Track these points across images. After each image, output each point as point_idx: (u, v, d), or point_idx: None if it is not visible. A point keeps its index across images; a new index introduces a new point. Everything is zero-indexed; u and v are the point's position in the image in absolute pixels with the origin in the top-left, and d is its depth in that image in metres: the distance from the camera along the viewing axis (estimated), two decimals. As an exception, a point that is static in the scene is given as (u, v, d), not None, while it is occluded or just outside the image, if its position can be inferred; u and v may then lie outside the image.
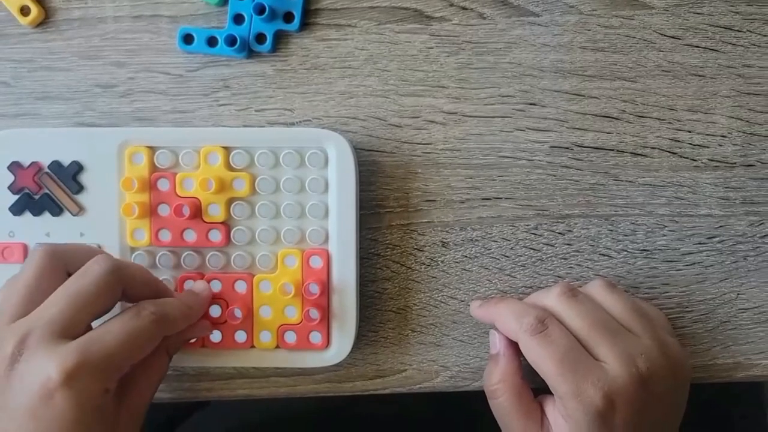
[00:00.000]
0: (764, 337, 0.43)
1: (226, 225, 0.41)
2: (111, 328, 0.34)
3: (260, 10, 0.41)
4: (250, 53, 0.43)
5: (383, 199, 0.43)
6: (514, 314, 0.38)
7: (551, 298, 0.38)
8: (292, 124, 0.42)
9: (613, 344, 0.36)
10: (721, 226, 0.42)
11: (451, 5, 0.42)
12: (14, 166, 0.41)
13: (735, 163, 0.42)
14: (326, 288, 0.40)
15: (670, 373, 0.37)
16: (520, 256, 0.42)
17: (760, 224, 0.42)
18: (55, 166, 0.41)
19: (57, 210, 0.41)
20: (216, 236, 0.41)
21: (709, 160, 0.42)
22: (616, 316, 0.38)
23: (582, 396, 0.35)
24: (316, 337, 0.41)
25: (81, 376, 0.32)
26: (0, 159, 0.41)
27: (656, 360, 0.36)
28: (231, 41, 0.41)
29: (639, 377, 0.36)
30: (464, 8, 0.42)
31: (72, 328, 0.33)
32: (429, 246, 0.43)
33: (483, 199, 0.42)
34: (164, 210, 0.41)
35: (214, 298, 0.41)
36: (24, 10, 0.43)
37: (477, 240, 0.42)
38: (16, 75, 0.43)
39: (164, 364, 0.38)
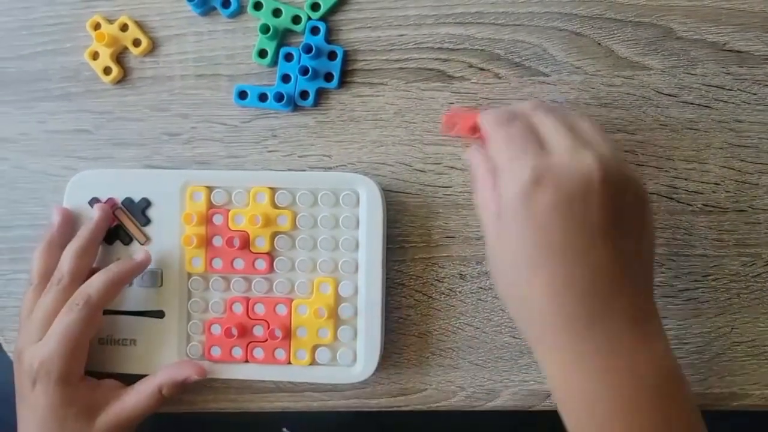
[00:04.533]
0: (758, 369, 0.45)
1: (270, 255, 0.46)
2: (52, 330, 0.43)
3: (304, 71, 0.46)
4: (295, 107, 0.48)
5: (408, 235, 0.47)
6: (494, 115, 0.39)
7: (530, 105, 0.39)
8: (330, 169, 0.48)
9: (568, 138, 0.36)
10: (715, 266, 0.46)
11: (470, 66, 0.47)
12: (93, 201, 0.47)
13: (728, 208, 0.45)
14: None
15: (620, 184, 0.35)
16: (530, 288, 0.47)
17: (752, 264, 0.45)
18: (128, 201, 0.47)
19: (128, 239, 0.47)
20: (261, 265, 0.46)
21: (703, 205, 0.46)
22: (584, 128, 0.37)
23: (517, 167, 0.35)
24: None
25: (42, 373, 0.42)
26: (81, 195, 0.47)
27: (607, 166, 0.35)
28: (279, 97, 0.46)
29: (581, 169, 0.34)
30: (482, 69, 0.47)
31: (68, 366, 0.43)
32: (448, 278, 0.47)
33: (497, 237, 0.47)
34: (218, 241, 0.46)
35: (258, 320, 0.46)
36: (107, 70, 0.49)
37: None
38: (97, 124, 0.49)
39: (152, 396, 0.44)
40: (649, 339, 0.36)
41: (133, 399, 0.44)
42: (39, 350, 0.43)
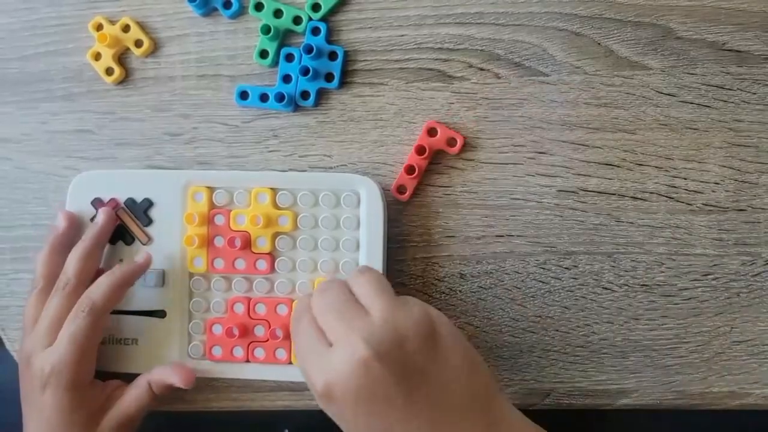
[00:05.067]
0: (757, 368, 0.45)
1: (272, 256, 0.46)
2: (61, 337, 0.43)
3: (305, 71, 0.46)
4: (296, 107, 0.48)
5: (408, 234, 0.47)
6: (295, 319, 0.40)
7: (314, 293, 0.40)
8: (331, 169, 0.48)
9: (336, 328, 0.36)
10: (715, 265, 0.46)
11: (470, 66, 0.47)
12: (96, 202, 0.47)
13: (728, 207, 0.46)
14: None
15: (396, 344, 0.35)
16: (530, 287, 0.47)
17: (752, 264, 0.45)
18: (130, 202, 0.47)
19: (130, 239, 0.47)
20: (262, 265, 0.46)
21: (703, 204, 0.46)
22: (357, 293, 0.38)
23: (310, 380, 0.36)
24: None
25: (52, 379, 0.43)
26: (84, 196, 0.47)
27: (378, 340, 0.35)
28: (280, 97, 0.47)
29: (355, 361, 0.34)
30: (482, 69, 0.47)
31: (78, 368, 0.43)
32: (448, 277, 0.47)
33: (497, 236, 0.47)
34: (219, 242, 0.46)
35: (259, 320, 0.46)
36: (109, 71, 0.49)
37: (491, 273, 0.47)
38: (99, 124, 0.50)
39: (144, 393, 0.45)
40: None
41: (129, 397, 0.45)
42: (49, 356, 0.43)
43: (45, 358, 0.43)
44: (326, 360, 0.35)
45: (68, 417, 0.43)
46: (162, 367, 0.46)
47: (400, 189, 0.47)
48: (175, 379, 0.45)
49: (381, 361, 0.34)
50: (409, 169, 0.46)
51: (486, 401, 0.37)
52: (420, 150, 0.46)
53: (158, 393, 0.45)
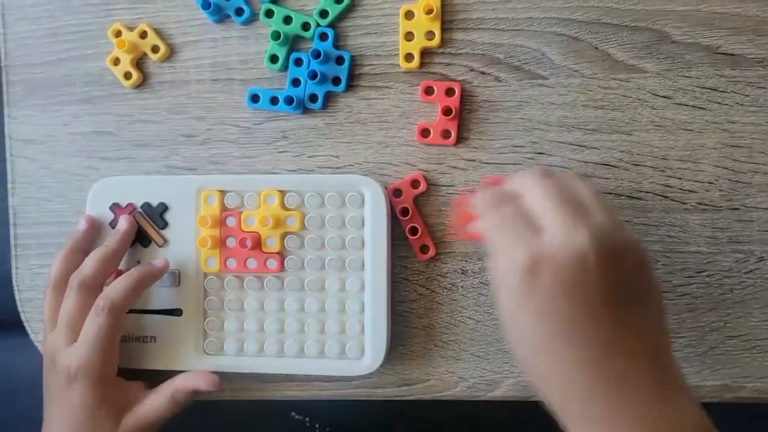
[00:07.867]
0: (750, 362, 0.47)
1: (281, 255, 0.48)
2: (84, 335, 0.45)
3: (313, 75, 0.48)
4: (305, 110, 0.50)
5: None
6: (484, 199, 0.38)
7: (524, 177, 0.38)
8: (338, 168, 0.49)
9: (560, 214, 0.35)
10: (709, 262, 0.47)
11: (472, 70, 0.48)
12: (114, 207, 0.49)
13: (721, 206, 0.47)
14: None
15: (617, 254, 0.34)
16: (529, 284, 0.48)
17: (745, 261, 0.47)
18: (146, 206, 0.49)
19: (146, 242, 0.49)
20: (272, 264, 0.48)
21: (697, 203, 0.47)
22: (579, 193, 0.37)
23: (511, 256, 0.34)
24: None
25: (80, 375, 0.45)
26: (103, 201, 0.49)
27: (602, 241, 0.34)
28: (289, 100, 0.48)
29: (575, 249, 0.33)
30: (483, 73, 0.48)
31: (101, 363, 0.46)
32: (451, 273, 0.49)
33: (497, 234, 0.48)
34: (231, 242, 0.48)
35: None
36: (127, 75, 0.51)
37: (492, 269, 0.49)
38: (118, 126, 0.52)
39: (167, 400, 0.47)
40: (668, 399, 0.34)
41: (152, 402, 0.47)
42: (76, 353, 0.45)
43: (73, 354, 0.45)
44: (539, 239, 0.34)
45: (92, 411, 0.45)
46: (184, 374, 0.48)
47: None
48: (202, 384, 0.47)
49: (599, 261, 0.34)
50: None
51: (666, 344, 0.36)
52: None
53: (182, 401, 0.47)
